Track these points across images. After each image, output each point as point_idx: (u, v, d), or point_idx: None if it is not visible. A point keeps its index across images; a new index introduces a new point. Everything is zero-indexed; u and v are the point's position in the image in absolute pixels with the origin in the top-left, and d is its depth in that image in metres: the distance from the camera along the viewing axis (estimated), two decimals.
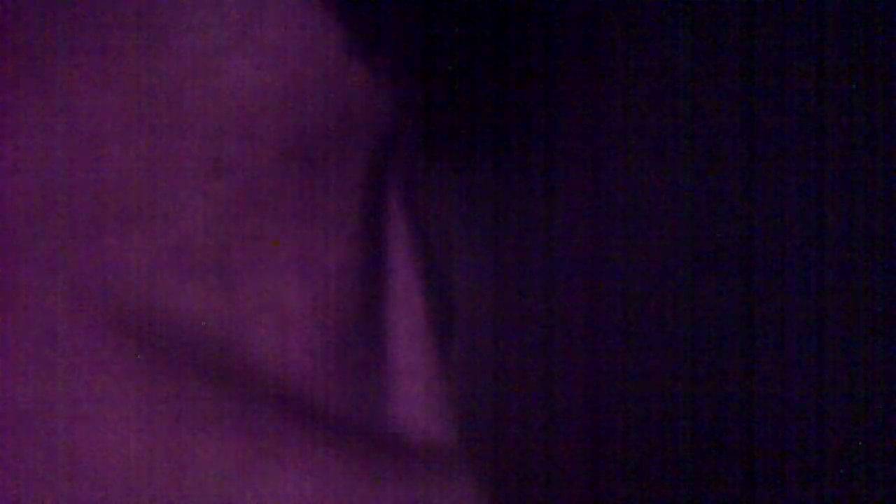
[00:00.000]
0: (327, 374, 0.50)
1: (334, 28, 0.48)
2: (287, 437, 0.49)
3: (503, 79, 0.59)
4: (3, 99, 0.46)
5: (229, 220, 0.48)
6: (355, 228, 0.51)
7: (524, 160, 0.62)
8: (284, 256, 0.49)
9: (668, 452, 0.62)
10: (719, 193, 0.62)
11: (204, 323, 0.48)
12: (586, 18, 0.62)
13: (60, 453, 0.46)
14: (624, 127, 0.62)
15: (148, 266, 0.47)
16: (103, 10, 0.46)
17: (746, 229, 0.62)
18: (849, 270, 0.62)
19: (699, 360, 0.62)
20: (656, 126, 0.62)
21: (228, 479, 0.47)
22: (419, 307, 0.54)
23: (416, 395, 0.53)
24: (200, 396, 0.47)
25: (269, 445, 0.48)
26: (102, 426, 0.47)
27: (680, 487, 0.62)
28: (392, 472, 0.51)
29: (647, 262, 0.63)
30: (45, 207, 0.46)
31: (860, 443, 0.61)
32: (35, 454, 0.46)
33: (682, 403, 0.62)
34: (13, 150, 0.46)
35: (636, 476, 0.62)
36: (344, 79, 0.49)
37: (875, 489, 0.61)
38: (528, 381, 0.64)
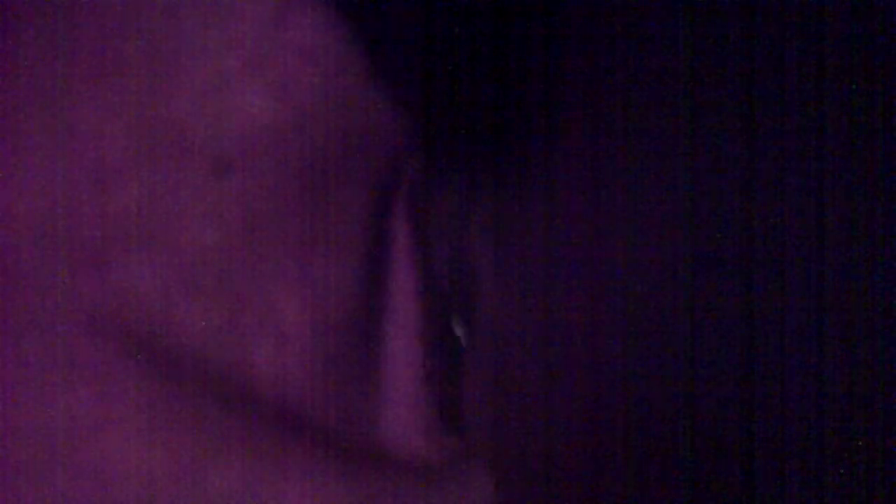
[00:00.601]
0: (324, 392, 0.50)
1: (352, 54, 0.48)
2: (288, 455, 0.49)
3: (503, 79, 0.59)
4: (8, 126, 0.46)
5: (233, 243, 0.48)
6: (357, 249, 0.51)
7: (524, 160, 0.62)
8: (286, 277, 0.49)
9: (668, 452, 0.62)
10: (719, 194, 0.62)
11: (207, 344, 0.48)
12: (586, 18, 0.62)
13: (66, 474, 0.46)
14: (624, 127, 0.62)
15: (153, 290, 0.47)
16: (110, 36, 0.46)
17: (746, 229, 0.62)
18: (849, 270, 0.62)
19: (699, 360, 0.62)
20: (656, 126, 0.62)
21: (233, 498, 0.48)
22: (414, 325, 0.54)
23: (404, 412, 0.53)
24: (206, 416, 0.47)
25: (271, 463, 0.48)
26: (109, 446, 0.47)
27: (680, 487, 0.62)
28: (383, 487, 0.51)
29: (647, 262, 0.63)
30: (51, 234, 0.46)
31: (860, 443, 0.61)
32: (41, 473, 0.46)
33: (682, 403, 0.62)
34: (18, 177, 0.46)
35: (636, 476, 0.62)
36: (357, 106, 0.49)
37: (875, 489, 0.61)
38: (528, 381, 0.64)
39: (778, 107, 0.62)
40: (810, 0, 0.62)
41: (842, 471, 0.61)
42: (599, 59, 0.62)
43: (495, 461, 0.63)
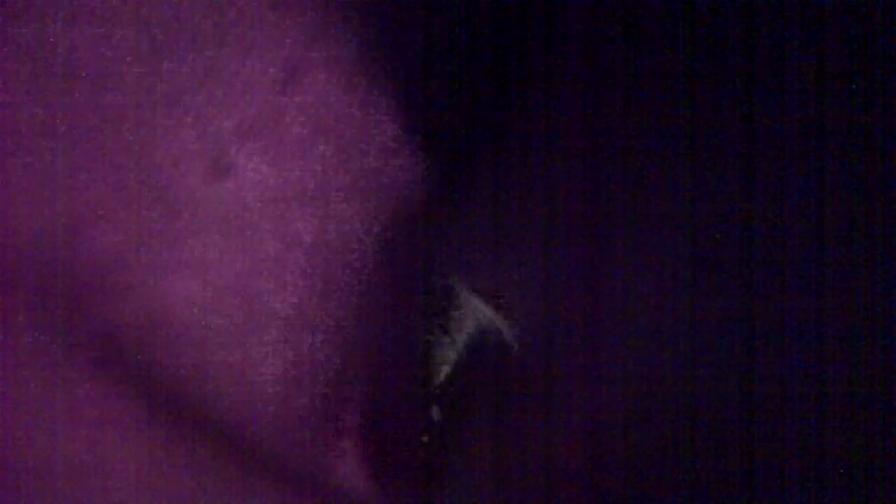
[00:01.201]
0: (293, 441, 0.51)
1: (362, 115, 0.47)
2: (270, 495, 0.49)
3: (503, 79, 0.59)
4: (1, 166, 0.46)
5: (214, 291, 0.48)
6: (346, 314, 0.52)
7: (524, 160, 0.62)
8: (272, 330, 0.49)
9: (668, 452, 0.62)
10: (719, 194, 0.62)
11: (184, 385, 0.48)
12: (586, 18, 0.62)
13: (60, 500, 0.46)
14: (624, 127, 0.62)
15: (138, 331, 0.47)
16: (98, 80, 0.46)
17: (746, 229, 0.62)
18: (849, 270, 0.62)
19: (699, 360, 0.62)
20: (656, 126, 0.62)
21: None
22: (374, 376, 0.54)
23: (356, 461, 0.54)
24: (202, 455, 0.48)
25: (258, 501, 0.49)
26: (110, 483, 0.47)
27: (680, 487, 0.62)
28: None
29: (647, 262, 0.63)
30: (46, 273, 0.46)
31: (860, 443, 0.61)
32: (37, 499, 0.46)
33: (682, 403, 0.62)
34: (10, 215, 0.46)
35: (636, 476, 0.62)
36: (366, 154, 0.49)
37: (875, 489, 0.61)
38: (528, 382, 0.64)
39: (778, 107, 0.62)
40: (810, 0, 0.62)
41: (842, 471, 0.61)
42: (599, 59, 0.62)
43: (495, 461, 0.63)
